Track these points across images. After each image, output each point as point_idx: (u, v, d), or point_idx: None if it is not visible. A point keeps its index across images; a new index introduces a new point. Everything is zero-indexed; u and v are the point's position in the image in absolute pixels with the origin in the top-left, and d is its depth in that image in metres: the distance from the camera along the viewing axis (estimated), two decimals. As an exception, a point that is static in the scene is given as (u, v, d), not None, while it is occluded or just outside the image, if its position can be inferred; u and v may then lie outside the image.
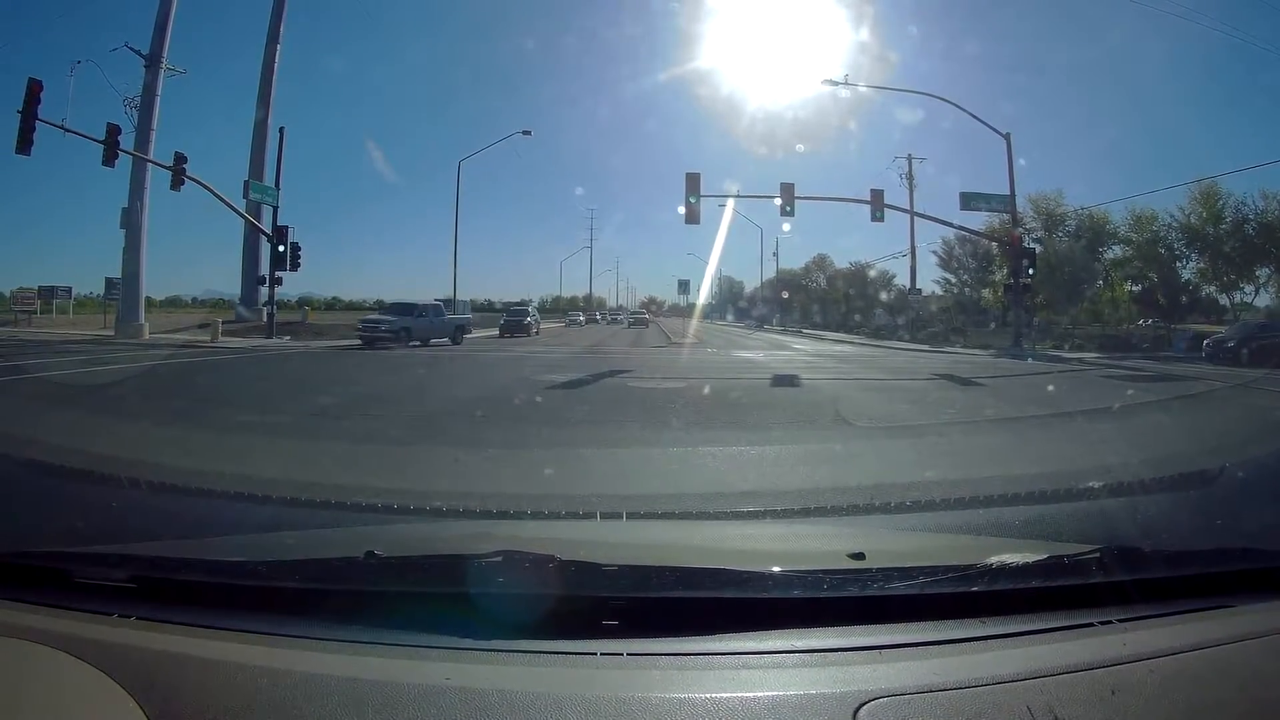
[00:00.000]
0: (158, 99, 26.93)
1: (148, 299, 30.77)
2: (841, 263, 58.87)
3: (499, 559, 1.38)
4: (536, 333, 34.30)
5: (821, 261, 62.21)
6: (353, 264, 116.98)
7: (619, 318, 62.95)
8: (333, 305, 68.15)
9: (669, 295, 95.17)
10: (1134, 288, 37.02)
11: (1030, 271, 25.44)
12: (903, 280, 41.32)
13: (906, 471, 5.54)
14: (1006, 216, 28.76)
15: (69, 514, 3.76)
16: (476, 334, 36.67)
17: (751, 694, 1.12)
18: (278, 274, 26.91)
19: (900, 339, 33.99)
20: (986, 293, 40.75)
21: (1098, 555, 1.44)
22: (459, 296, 39.49)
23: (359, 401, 9.87)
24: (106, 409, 9.23)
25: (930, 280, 44.53)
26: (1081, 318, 35.53)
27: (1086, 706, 1.08)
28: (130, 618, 1.36)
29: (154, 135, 26.54)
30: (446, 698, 1.09)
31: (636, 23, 74.98)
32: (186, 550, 1.91)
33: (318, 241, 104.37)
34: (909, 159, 35.46)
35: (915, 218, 32.36)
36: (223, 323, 27.07)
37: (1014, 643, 1.27)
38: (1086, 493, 4.18)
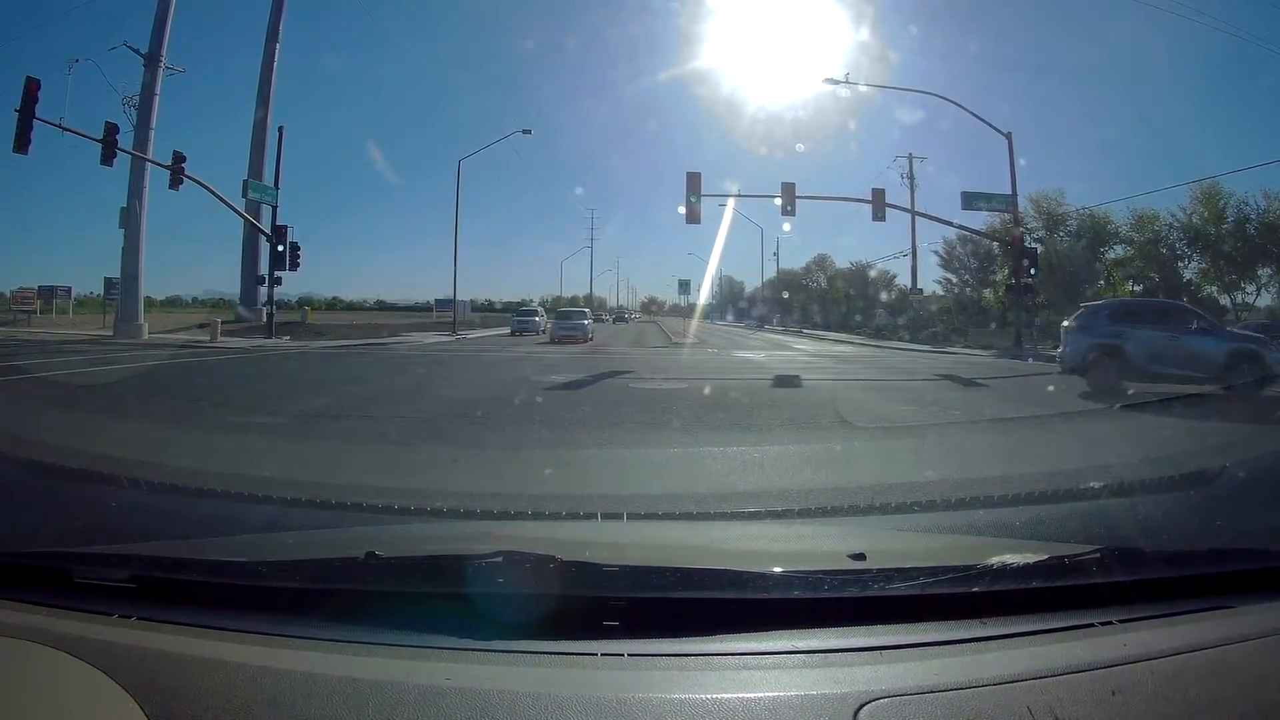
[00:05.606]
0: (156, 98, 26.93)
1: (147, 299, 30.84)
2: (842, 262, 58.98)
3: (499, 559, 1.38)
4: (544, 332, 35.75)
5: (822, 261, 62.34)
6: (353, 264, 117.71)
7: (622, 316, 67.97)
8: (333, 305, 68.32)
9: (669, 295, 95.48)
10: (1135, 288, 36.96)
11: (1032, 271, 25.41)
12: (903, 280, 41.36)
13: (907, 472, 5.54)
14: (1008, 216, 28.66)
15: (69, 514, 3.76)
16: (478, 333, 36.93)
17: (752, 694, 1.12)
18: (277, 274, 26.92)
19: (901, 339, 33.90)
20: (988, 293, 40.68)
21: (1098, 556, 1.43)
22: (459, 296, 39.68)
23: (360, 402, 9.87)
24: (106, 409, 9.24)
25: (931, 280, 44.44)
26: (1083, 318, 35.42)
27: (1087, 707, 1.08)
28: (130, 618, 1.36)
29: (153, 134, 26.54)
30: (446, 698, 1.09)
31: (636, 22, 75.02)
32: (186, 550, 1.91)
33: (318, 241, 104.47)
34: (910, 158, 35.42)
35: (916, 217, 32.35)
36: (222, 323, 27.07)
37: (1014, 643, 1.27)
38: (1087, 493, 4.17)
